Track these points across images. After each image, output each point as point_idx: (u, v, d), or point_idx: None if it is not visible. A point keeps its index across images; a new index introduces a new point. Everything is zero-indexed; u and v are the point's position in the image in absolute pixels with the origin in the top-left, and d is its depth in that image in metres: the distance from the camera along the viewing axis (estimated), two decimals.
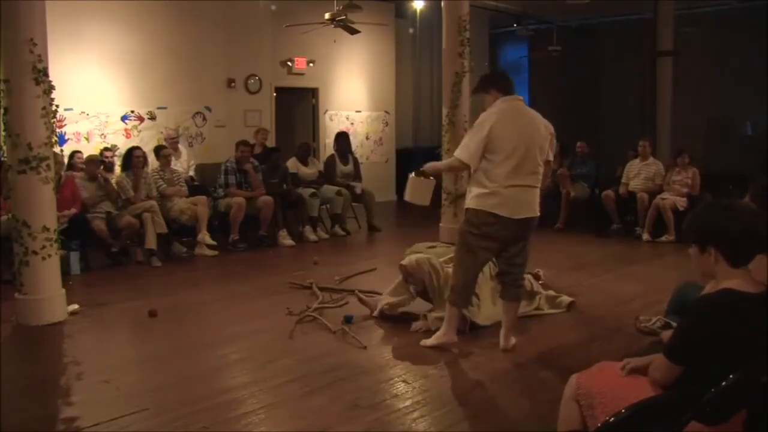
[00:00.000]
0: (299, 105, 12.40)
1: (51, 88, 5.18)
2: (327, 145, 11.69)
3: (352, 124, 12.63)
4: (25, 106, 5.03)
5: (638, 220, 8.97)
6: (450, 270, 4.66)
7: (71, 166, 7.79)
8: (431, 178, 4.56)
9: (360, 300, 5.43)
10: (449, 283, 4.59)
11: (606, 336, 4.88)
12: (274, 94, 11.37)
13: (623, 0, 12.33)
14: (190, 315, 5.55)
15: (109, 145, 9.01)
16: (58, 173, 6.49)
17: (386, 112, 13.27)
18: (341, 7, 9.33)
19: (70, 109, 8.75)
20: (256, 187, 8.34)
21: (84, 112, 9.01)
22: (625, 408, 1.95)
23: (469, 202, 4.36)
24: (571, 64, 14.44)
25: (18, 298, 5.20)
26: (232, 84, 10.62)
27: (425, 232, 7.92)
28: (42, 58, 5.06)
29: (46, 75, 5.11)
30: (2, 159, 5.89)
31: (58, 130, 7.60)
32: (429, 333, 4.72)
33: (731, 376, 2.02)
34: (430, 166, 4.60)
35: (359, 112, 12.81)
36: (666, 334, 2.73)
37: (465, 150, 4.27)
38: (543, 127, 4.32)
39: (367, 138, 12.95)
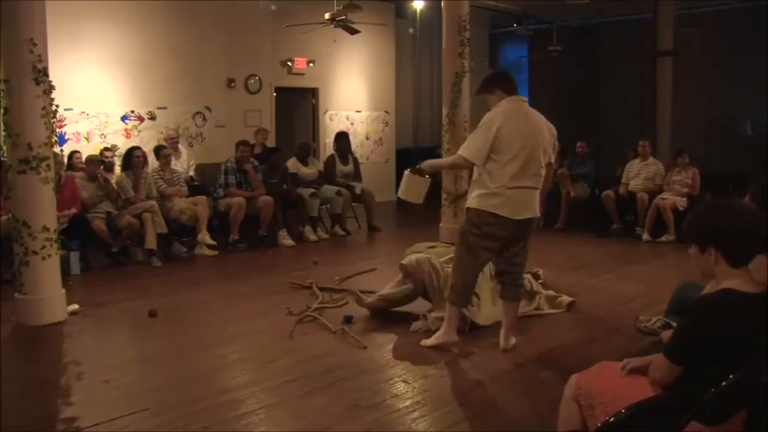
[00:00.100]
0: (299, 105, 12.40)
1: (51, 88, 5.18)
2: (327, 145, 11.69)
3: (352, 124, 12.63)
4: (25, 106, 5.03)
5: (638, 220, 8.97)
6: (450, 270, 4.66)
7: (70, 166, 7.79)
8: (427, 176, 4.54)
9: (359, 301, 5.39)
10: (449, 283, 4.58)
11: (606, 336, 4.88)
12: (274, 94, 11.37)
13: (623, 0, 12.33)
14: (190, 315, 5.55)
15: (109, 145, 9.01)
16: (58, 173, 6.49)
17: (386, 112, 13.27)
18: (341, 7, 9.33)
19: (70, 109, 8.75)
20: (256, 187, 8.34)
21: (84, 112, 9.02)
22: (625, 408, 1.95)
23: (471, 201, 4.36)
24: (571, 64, 14.44)
25: (18, 298, 5.20)
26: (232, 84, 10.62)
27: (425, 232, 7.93)
28: (42, 58, 5.06)
29: (46, 75, 5.11)
30: (2, 159, 5.89)
31: (58, 130, 7.60)
32: (429, 333, 4.72)
33: (731, 376, 2.02)
34: (428, 164, 4.57)
35: (359, 112, 12.81)
36: (666, 334, 2.73)
37: (471, 148, 4.26)
38: (546, 129, 4.32)
39: (367, 138, 12.96)
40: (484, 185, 4.24)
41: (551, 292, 5.69)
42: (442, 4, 8.44)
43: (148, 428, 3.41)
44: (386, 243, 8.99)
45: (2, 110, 5.12)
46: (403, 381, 4.02)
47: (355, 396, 3.76)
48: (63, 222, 6.38)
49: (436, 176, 5.02)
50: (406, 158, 12.78)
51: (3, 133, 5.20)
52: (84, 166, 7.63)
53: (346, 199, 9.17)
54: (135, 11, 9.38)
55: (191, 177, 8.96)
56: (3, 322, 5.16)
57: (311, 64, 11.83)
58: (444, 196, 8.34)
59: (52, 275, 5.25)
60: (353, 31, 9.74)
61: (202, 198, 8.00)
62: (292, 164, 9.25)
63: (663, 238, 8.57)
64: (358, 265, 7.12)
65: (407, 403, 3.71)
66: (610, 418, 1.94)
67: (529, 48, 15.09)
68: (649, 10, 12.37)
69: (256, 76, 10.88)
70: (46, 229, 5.11)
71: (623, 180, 9.32)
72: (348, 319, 5.10)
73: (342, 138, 9.83)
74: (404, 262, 5.19)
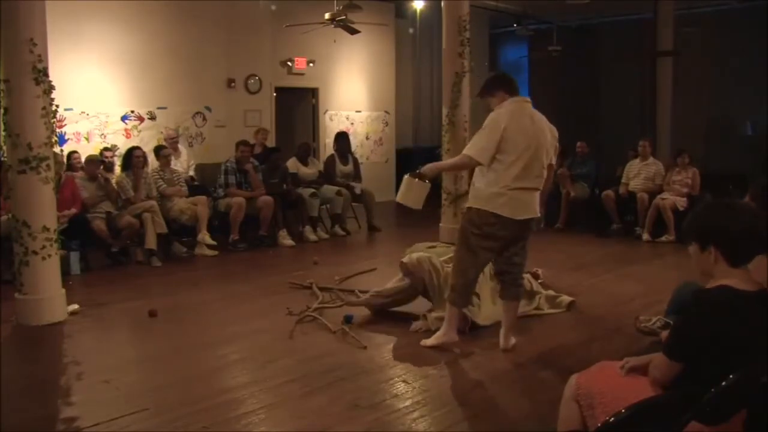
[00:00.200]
0: (299, 105, 12.40)
1: (51, 88, 5.18)
2: (327, 145, 11.69)
3: (352, 124, 12.63)
4: (25, 106, 5.03)
5: (638, 220, 8.97)
6: (450, 269, 4.66)
7: (69, 166, 7.79)
8: (427, 181, 4.41)
9: (350, 302, 5.41)
10: (449, 283, 4.58)
11: (606, 336, 4.88)
12: (274, 94, 11.37)
13: (623, 0, 12.33)
14: (190, 315, 5.55)
15: (109, 145, 9.02)
16: (58, 173, 6.49)
17: (386, 112, 13.26)
18: (341, 7, 9.33)
19: (70, 109, 8.75)
20: (256, 187, 8.34)
21: (84, 112, 9.02)
22: (625, 408, 1.95)
23: (472, 201, 4.35)
24: (571, 64, 14.43)
25: (18, 298, 5.20)
26: (232, 84, 10.62)
27: (425, 232, 7.92)
28: (42, 58, 5.06)
29: (46, 75, 5.11)
30: (2, 159, 5.89)
31: (58, 130, 7.60)
32: (429, 333, 4.72)
33: (731, 376, 2.02)
34: (429, 167, 4.47)
35: (359, 112, 12.81)
36: (666, 334, 2.72)
37: (477, 147, 4.22)
38: (549, 131, 4.32)
39: (367, 138, 12.95)
40: (486, 185, 4.24)
41: (551, 292, 5.69)
42: (442, 4, 8.44)
43: (148, 428, 3.40)
44: (386, 243, 9.00)
45: (2, 110, 5.12)
46: (403, 381, 4.02)
47: (355, 396, 3.76)
48: (63, 222, 6.38)
49: (436, 180, 4.96)
50: (406, 158, 12.81)
51: (3, 133, 5.20)
52: (83, 166, 7.62)
53: (346, 199, 9.17)
54: (135, 11, 9.38)
55: (191, 177, 8.97)
56: (3, 322, 5.16)
57: (311, 64, 11.83)
58: (444, 196, 8.34)
59: (52, 275, 5.25)
60: (353, 31, 9.74)
61: (202, 198, 8.00)
62: (292, 164, 9.25)
63: (663, 238, 8.57)
64: (358, 265, 7.12)
65: (407, 403, 3.71)
66: (610, 418, 1.94)
67: (529, 48, 15.09)
68: (649, 10, 12.37)
69: (256, 76, 10.88)
70: (46, 229, 5.11)
71: (623, 180, 9.32)
72: (348, 319, 5.10)
73: (342, 138, 9.83)
74: (404, 260, 5.20)
